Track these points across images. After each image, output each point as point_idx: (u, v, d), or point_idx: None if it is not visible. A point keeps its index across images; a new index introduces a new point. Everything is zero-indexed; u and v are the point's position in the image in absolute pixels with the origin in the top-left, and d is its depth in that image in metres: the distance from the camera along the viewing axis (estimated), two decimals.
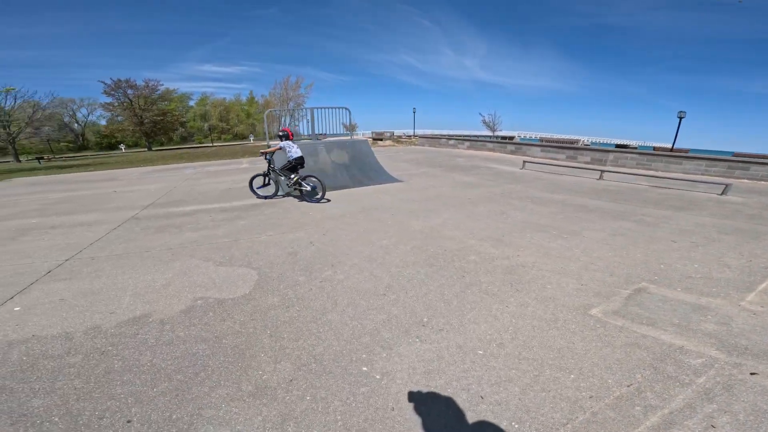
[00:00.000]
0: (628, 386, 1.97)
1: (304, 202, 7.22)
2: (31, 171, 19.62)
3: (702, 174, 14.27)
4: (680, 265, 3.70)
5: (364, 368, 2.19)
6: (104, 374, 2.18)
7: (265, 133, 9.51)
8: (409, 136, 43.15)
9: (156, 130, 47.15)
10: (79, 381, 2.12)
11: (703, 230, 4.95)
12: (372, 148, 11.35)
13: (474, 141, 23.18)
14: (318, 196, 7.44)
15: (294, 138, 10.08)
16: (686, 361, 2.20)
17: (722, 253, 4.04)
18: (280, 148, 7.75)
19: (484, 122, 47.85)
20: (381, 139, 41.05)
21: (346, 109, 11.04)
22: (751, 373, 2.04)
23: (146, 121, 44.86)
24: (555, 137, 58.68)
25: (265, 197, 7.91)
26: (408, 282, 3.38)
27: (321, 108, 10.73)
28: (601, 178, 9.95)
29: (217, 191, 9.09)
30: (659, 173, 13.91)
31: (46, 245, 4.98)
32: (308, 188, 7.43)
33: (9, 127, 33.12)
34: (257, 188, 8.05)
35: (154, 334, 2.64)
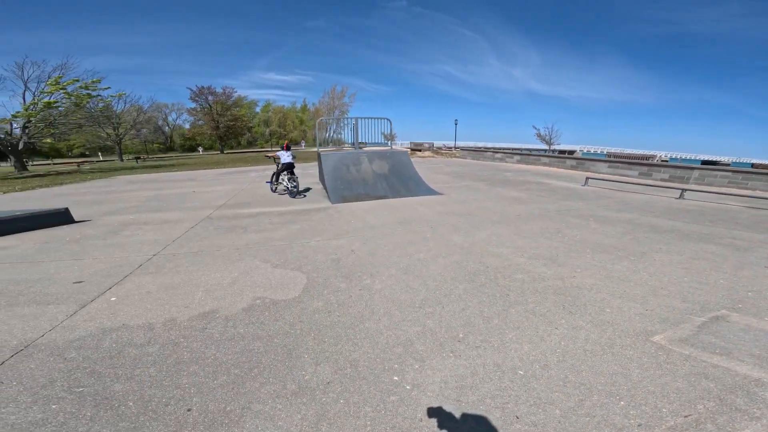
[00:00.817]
0: (686, 417, 1.89)
1: (347, 211, 7.96)
2: (131, 170, 23.54)
3: None
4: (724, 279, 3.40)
5: (396, 378, 2.31)
6: (174, 364, 2.54)
7: (315, 139, 10.73)
8: (450, 148, 42.98)
9: (228, 134, 54.32)
10: (154, 369, 2.49)
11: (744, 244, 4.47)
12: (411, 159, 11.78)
13: (526, 155, 22.60)
14: (294, 193, 10.11)
15: (339, 146, 12.17)
16: (761, 394, 2.05)
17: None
18: (277, 156, 10.90)
19: (539, 136, 46.51)
20: (420, 150, 41.46)
21: (387, 119, 11.84)
22: None
23: (221, 125, 51.87)
24: (625, 152, 55.18)
25: (272, 190, 10.86)
26: (445, 297, 3.46)
27: (364, 118, 11.57)
28: (681, 197, 9.25)
29: (275, 195, 10.47)
30: (758, 193, 12.59)
31: (139, 240, 5.92)
32: (288, 186, 10.13)
33: (118, 128, 40.16)
34: (270, 183, 11.08)
35: (219, 329, 3.02)
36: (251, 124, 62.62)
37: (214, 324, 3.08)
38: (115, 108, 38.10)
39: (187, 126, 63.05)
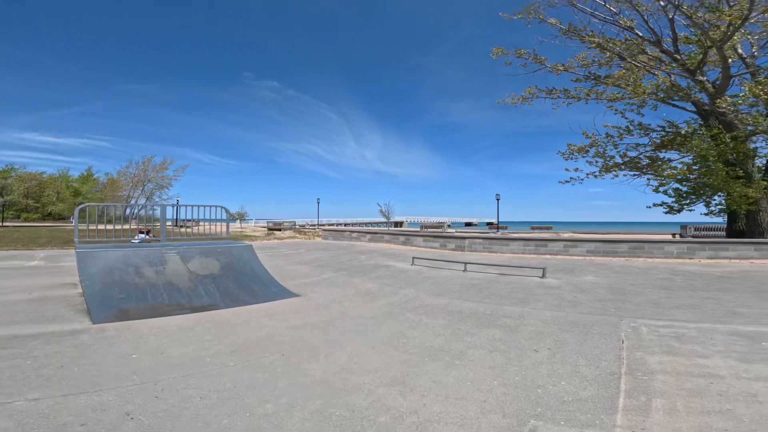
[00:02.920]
0: None
1: (130, 335, 4.47)
2: None
3: (522, 253, 16.73)
4: (551, 386, 3.53)
5: None
6: None
7: (74, 229, 7.13)
8: (314, 227, 40.92)
9: None
10: None
11: (549, 329, 5.14)
12: (261, 248, 9.23)
13: (374, 234, 23.82)
14: None
15: (151, 224, 10.25)
16: None
17: (575, 361, 4.03)
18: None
19: (381, 212, 51.16)
20: (279, 230, 36.04)
21: (222, 208, 8.47)
22: None
23: None
24: (430, 220, 66.16)
25: None
26: None
27: (186, 206, 8.23)
28: (465, 270, 10.66)
29: None
30: (497, 254, 15.88)
31: None
32: None
33: None
34: None
35: None
36: None
37: None
38: None
39: None
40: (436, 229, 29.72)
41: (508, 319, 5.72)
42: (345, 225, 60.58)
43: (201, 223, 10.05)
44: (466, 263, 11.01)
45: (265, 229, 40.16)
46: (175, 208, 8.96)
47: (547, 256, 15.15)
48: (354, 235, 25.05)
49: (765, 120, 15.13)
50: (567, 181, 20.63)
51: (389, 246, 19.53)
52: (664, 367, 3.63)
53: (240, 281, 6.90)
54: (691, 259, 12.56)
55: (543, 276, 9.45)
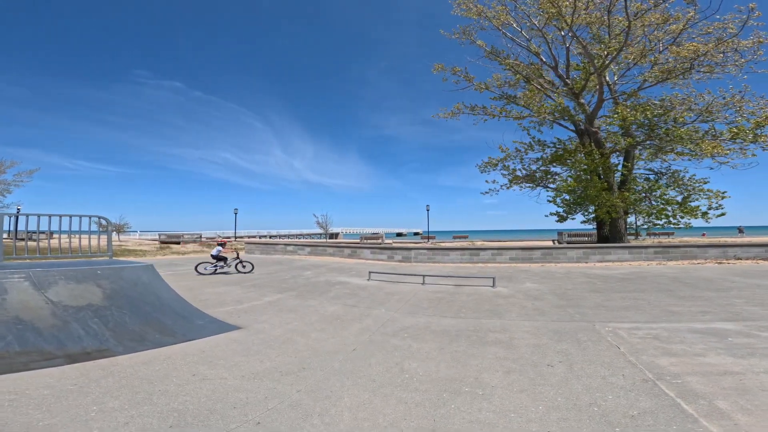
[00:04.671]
0: None
1: None
2: None
3: (461, 262, 17.57)
4: (603, 402, 3.09)
5: None
6: None
7: None
8: (229, 239, 35.00)
9: None
10: None
11: (542, 341, 4.87)
12: (158, 266, 6.35)
13: (315, 246, 21.88)
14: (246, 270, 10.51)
15: None
16: None
17: (597, 372, 3.75)
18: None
19: (318, 223, 47.87)
20: (178, 243, 29.96)
21: (99, 218, 6.75)
22: None
23: None
24: (367, 231, 65.33)
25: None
26: None
27: (34, 215, 6.18)
28: (424, 283, 10.33)
29: None
30: (441, 264, 16.29)
31: None
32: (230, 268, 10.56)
33: None
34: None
35: None
36: None
37: None
38: None
39: None
40: (375, 241, 29.31)
41: (497, 334, 5.41)
42: (270, 237, 54.79)
43: (63, 237, 7.45)
44: (423, 276, 10.68)
45: (156, 242, 32.85)
46: (15, 217, 6.64)
47: (480, 265, 16.24)
48: (290, 248, 22.52)
49: (622, 139, 18.91)
50: (486, 192, 23.04)
51: (334, 259, 18.05)
52: (682, 369, 3.73)
53: (142, 313, 5.02)
54: (587, 263, 15.29)
55: (494, 285, 9.78)
